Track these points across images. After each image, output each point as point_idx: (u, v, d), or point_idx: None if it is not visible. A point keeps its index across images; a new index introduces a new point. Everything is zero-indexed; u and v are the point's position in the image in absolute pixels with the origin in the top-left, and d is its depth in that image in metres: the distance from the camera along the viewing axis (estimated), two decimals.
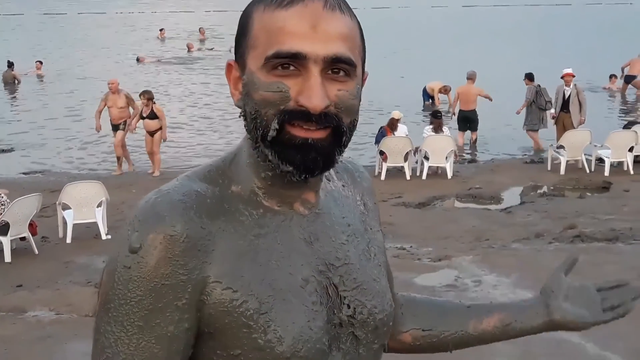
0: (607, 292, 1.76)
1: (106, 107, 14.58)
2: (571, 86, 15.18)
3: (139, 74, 28.04)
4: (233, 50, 1.39)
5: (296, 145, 1.27)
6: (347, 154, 1.40)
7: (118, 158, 14.63)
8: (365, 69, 1.39)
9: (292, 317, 1.30)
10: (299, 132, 1.27)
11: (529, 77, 16.55)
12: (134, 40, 37.14)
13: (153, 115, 14.24)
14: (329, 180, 1.49)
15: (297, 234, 1.37)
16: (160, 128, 14.33)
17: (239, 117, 1.36)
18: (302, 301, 1.32)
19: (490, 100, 16.96)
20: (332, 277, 1.38)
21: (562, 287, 1.73)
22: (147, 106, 14.17)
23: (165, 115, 14.97)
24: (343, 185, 1.53)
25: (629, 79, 22.25)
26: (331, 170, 1.47)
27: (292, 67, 1.26)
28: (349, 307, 1.38)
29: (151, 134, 14.35)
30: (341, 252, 1.41)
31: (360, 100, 1.35)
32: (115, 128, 14.59)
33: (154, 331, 1.25)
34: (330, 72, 1.27)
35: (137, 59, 30.93)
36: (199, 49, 33.68)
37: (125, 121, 14.49)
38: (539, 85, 16.07)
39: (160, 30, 38.95)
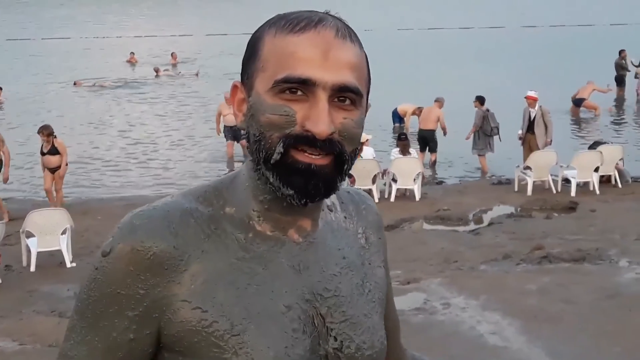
0: None
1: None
2: (536, 108, 15.30)
3: (70, 99, 27.74)
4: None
5: (299, 170, 1.29)
6: None
7: None
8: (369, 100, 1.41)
9: (267, 342, 1.30)
10: (303, 157, 1.29)
11: (480, 100, 16.66)
12: (94, 65, 36.88)
13: (54, 151, 13.45)
14: (331, 211, 1.51)
15: (285, 261, 1.38)
16: (59, 166, 13.51)
17: (242, 137, 1.36)
18: (281, 327, 1.32)
19: (444, 132, 17.03)
20: (319, 307, 1.38)
21: None
22: (47, 142, 13.43)
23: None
24: (345, 217, 1.54)
25: (578, 102, 22.76)
26: (336, 200, 1.52)
27: (299, 92, 1.29)
28: (335, 339, 1.38)
29: (52, 170, 13.51)
30: (332, 283, 1.41)
31: (362, 130, 1.37)
32: None
33: (99, 331, 1.32)
34: (336, 99, 1.30)
35: (74, 83, 30.85)
36: (166, 73, 33.50)
37: None
38: (488, 110, 16.27)
39: (131, 54, 38.70)
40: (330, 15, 1.35)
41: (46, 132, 13.50)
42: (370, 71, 1.40)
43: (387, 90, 26.36)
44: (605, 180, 14.40)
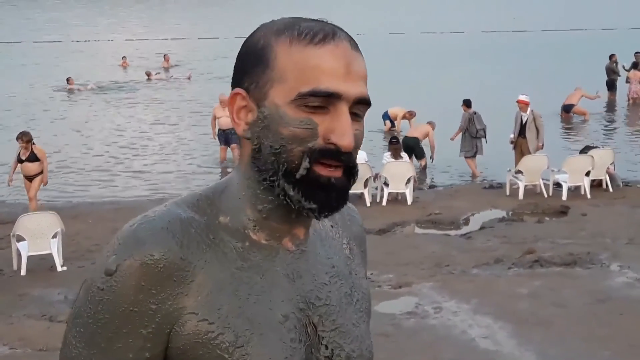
0: None
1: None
2: (527, 112, 15.32)
3: (59, 102, 27.64)
4: (229, 79, 1.37)
5: (321, 185, 1.30)
6: None
7: None
8: None
9: (269, 352, 1.30)
10: (324, 172, 1.30)
11: (466, 103, 16.75)
12: (85, 68, 36.78)
13: (33, 158, 12.93)
14: (318, 220, 1.48)
15: (280, 270, 1.37)
16: (42, 172, 13.06)
17: (253, 149, 1.35)
18: (280, 337, 1.32)
19: (433, 150, 17.07)
20: (311, 316, 1.38)
21: None
22: (25, 149, 12.92)
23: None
24: (332, 226, 1.55)
25: (567, 108, 22.86)
26: None
27: (321, 105, 1.29)
28: (327, 347, 1.38)
29: (30, 178, 13.04)
30: (323, 292, 1.41)
31: None
32: None
33: (114, 354, 1.28)
34: (351, 112, 1.31)
35: (67, 80, 30.83)
36: (158, 77, 33.40)
37: None
38: (475, 112, 16.30)
39: (123, 58, 38.60)
40: (335, 25, 1.36)
41: (26, 138, 13.00)
42: None
43: (379, 93, 26.42)
44: (596, 185, 14.43)
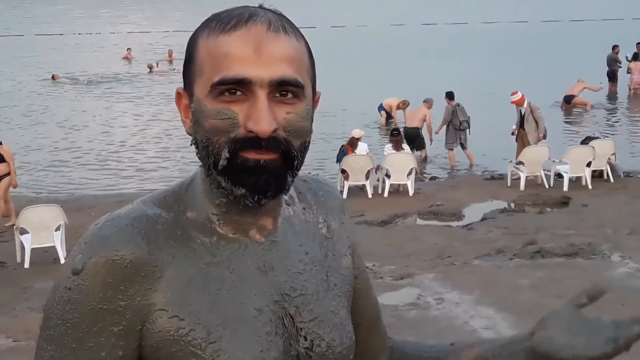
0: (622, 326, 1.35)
1: None
2: (525, 105, 15.32)
3: (60, 95, 27.61)
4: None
5: (249, 168, 1.26)
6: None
7: None
8: (318, 89, 1.38)
9: (243, 347, 1.28)
10: (252, 155, 1.25)
11: (449, 96, 16.82)
12: (87, 60, 36.73)
13: (0, 159, 12.59)
14: (289, 205, 1.45)
15: (251, 263, 1.34)
16: (9, 173, 12.64)
17: (190, 144, 1.34)
18: (255, 331, 1.30)
19: (430, 132, 17.20)
20: (287, 308, 1.35)
21: (561, 317, 1.38)
22: None
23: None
24: (304, 208, 1.49)
25: (568, 99, 22.84)
26: (293, 192, 1.47)
27: (238, 93, 1.25)
28: (305, 339, 1.35)
29: None
30: (297, 282, 1.38)
31: (312, 121, 1.34)
32: None
33: (86, 354, 1.25)
34: (278, 95, 1.26)
35: (52, 77, 30.85)
36: (160, 69, 33.35)
37: None
38: (458, 104, 16.36)
39: (128, 50, 38.55)
40: (263, 8, 1.31)
41: None
42: (314, 60, 1.35)
43: (376, 84, 26.40)
44: (597, 175, 14.44)
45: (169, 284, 1.28)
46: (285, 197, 1.43)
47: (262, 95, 1.25)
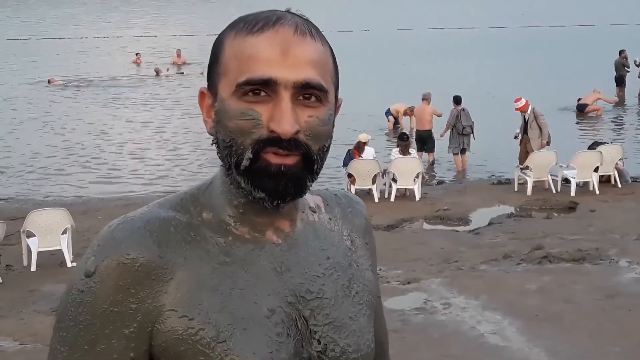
0: None
1: None
2: (528, 111, 15.30)
3: (68, 99, 27.62)
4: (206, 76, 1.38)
5: (270, 173, 1.27)
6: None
7: None
8: (340, 96, 1.40)
9: (253, 347, 1.28)
10: (273, 159, 1.27)
11: (456, 100, 16.89)
12: (95, 65, 36.81)
13: None
14: (314, 212, 1.47)
15: (266, 263, 1.35)
16: None
17: (212, 144, 1.35)
18: (265, 331, 1.30)
19: (439, 115, 17.33)
20: (302, 310, 1.35)
21: None
22: None
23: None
24: (330, 219, 1.50)
25: (581, 108, 22.84)
26: (320, 202, 1.49)
27: (262, 93, 1.27)
28: (319, 342, 1.35)
29: None
30: (314, 285, 1.38)
31: (332, 126, 1.35)
32: None
33: (98, 356, 1.27)
34: (301, 97, 1.28)
35: (49, 81, 30.89)
36: (167, 73, 33.38)
37: None
38: (463, 109, 16.41)
39: (137, 54, 38.58)
40: (290, 13, 1.33)
41: None
42: (338, 66, 1.38)
43: (383, 89, 26.39)
44: (605, 180, 14.39)
45: (179, 285, 1.29)
46: (311, 204, 1.47)
47: (286, 96, 1.27)
